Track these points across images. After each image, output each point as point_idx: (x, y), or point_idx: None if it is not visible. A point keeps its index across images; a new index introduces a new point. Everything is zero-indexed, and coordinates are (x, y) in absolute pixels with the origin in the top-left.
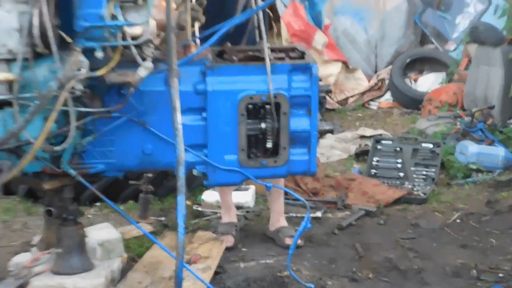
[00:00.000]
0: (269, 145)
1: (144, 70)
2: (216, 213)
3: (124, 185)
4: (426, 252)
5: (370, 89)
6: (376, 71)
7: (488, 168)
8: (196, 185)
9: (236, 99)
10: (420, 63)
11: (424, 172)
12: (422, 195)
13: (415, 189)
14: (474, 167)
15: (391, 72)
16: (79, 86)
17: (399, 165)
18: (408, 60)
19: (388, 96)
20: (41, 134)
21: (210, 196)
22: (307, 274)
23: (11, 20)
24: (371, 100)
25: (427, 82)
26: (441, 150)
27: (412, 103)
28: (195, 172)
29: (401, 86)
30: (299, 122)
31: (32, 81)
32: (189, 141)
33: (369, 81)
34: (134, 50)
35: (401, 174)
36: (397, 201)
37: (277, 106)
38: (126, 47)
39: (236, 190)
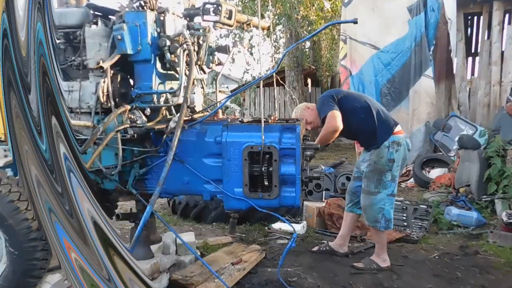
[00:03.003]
0: (265, 182)
1: (173, 123)
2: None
3: (210, 211)
4: (406, 276)
5: (402, 175)
6: (406, 165)
7: (465, 225)
8: (274, 219)
9: (241, 147)
10: (432, 162)
11: (419, 223)
12: (415, 238)
13: (412, 233)
14: (455, 223)
15: (413, 166)
16: (131, 132)
17: (404, 217)
18: (424, 160)
19: (412, 180)
20: (92, 157)
21: (275, 225)
22: (311, 281)
23: (92, 87)
24: (402, 182)
25: (436, 173)
26: (433, 210)
27: (424, 184)
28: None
29: (419, 174)
30: (288, 168)
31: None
32: (211, 177)
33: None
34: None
35: (405, 224)
36: (398, 240)
37: (271, 155)
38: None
39: (294, 223)
